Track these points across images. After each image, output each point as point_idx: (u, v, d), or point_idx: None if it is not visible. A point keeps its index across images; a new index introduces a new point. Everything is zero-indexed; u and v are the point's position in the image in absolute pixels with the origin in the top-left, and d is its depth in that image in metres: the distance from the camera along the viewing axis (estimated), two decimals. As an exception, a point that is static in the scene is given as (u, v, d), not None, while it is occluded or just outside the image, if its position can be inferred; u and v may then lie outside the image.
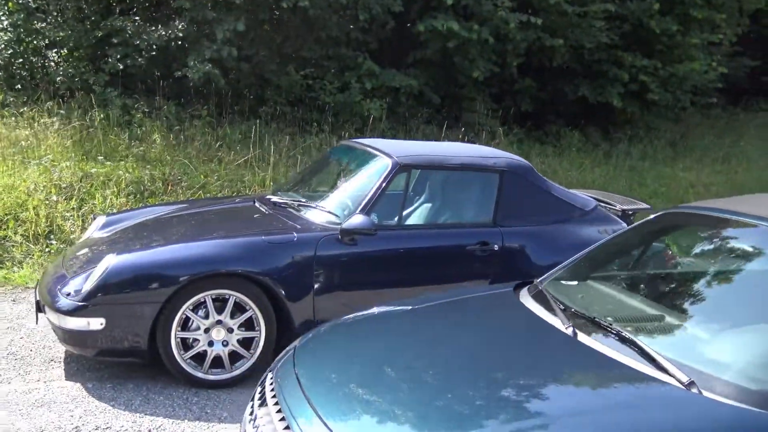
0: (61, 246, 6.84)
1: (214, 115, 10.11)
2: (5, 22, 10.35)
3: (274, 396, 2.77)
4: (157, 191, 7.90)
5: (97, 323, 4.31)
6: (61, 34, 10.34)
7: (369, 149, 5.35)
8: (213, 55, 9.78)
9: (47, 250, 6.79)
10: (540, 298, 3.24)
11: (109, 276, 4.35)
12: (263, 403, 2.82)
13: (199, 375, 4.50)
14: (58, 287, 4.55)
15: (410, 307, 3.48)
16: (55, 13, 10.95)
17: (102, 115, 9.32)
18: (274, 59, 10.93)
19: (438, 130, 11.20)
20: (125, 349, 4.42)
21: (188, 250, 4.57)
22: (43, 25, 10.46)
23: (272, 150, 8.28)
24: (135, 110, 9.78)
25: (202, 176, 8.21)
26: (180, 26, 10.19)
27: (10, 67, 10.46)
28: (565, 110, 13.34)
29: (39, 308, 4.67)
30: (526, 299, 3.29)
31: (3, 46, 10.33)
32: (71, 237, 6.98)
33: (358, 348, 3.03)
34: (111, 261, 4.41)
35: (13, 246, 6.77)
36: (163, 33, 10.21)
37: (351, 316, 3.41)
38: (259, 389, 2.95)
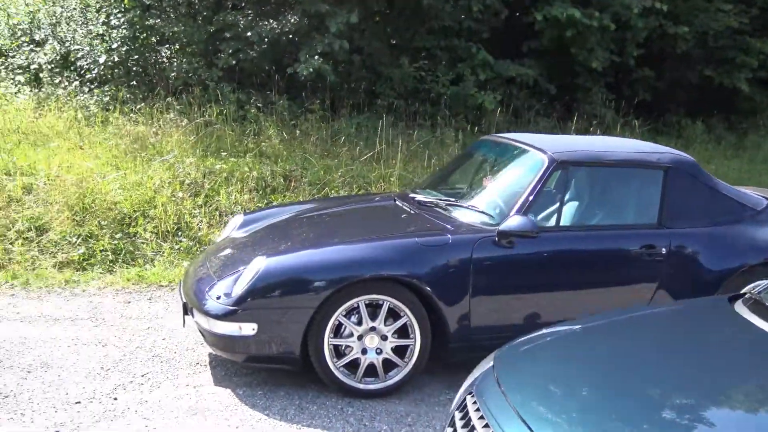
0: (190, 243, 6.79)
1: (327, 109, 9.96)
2: (121, 19, 10.45)
3: (481, 418, 2.51)
4: (278, 187, 7.78)
5: (249, 328, 4.15)
6: (174, 29, 10.37)
7: (519, 144, 5.03)
8: (325, 48, 9.63)
9: (177, 247, 6.74)
10: (760, 309, 2.87)
11: (261, 279, 4.18)
12: (467, 425, 2.56)
13: (353, 384, 4.30)
14: (206, 289, 4.42)
15: (606, 321, 3.16)
16: (168, 9, 11.02)
17: (217, 111, 9.29)
18: (386, 51, 10.70)
19: (555, 123, 10.77)
20: (276, 356, 4.25)
21: (341, 253, 4.36)
22: (157, 21, 10.52)
23: (399, 145, 8.04)
24: (249, 105, 9.73)
25: (321, 172, 8.04)
26: (292, 20, 10.07)
27: (126, 64, 10.57)
28: (686, 99, 12.66)
29: (186, 310, 4.55)
30: (743, 310, 2.93)
31: (119, 43, 10.43)
32: (199, 234, 6.92)
33: (566, 366, 2.74)
34: (261, 264, 4.24)
35: (143, 243, 6.75)
36: (275, 27, 10.12)
37: (548, 330, 3.11)
38: (458, 413, 2.69)
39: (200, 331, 4.53)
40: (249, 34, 9.88)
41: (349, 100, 10.33)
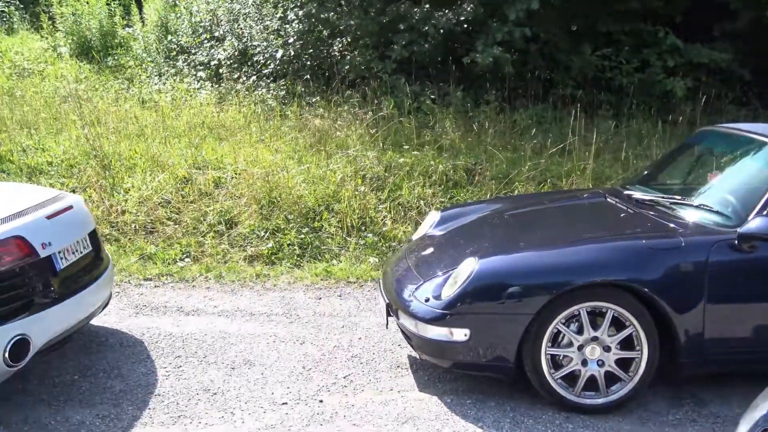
0: (375, 239, 6.64)
1: (501, 100, 9.58)
2: (299, 13, 10.52)
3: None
4: (461, 182, 7.50)
5: (461, 334, 3.89)
6: (351, 22, 10.32)
7: (756, 136, 4.48)
8: (504, 36, 9.25)
9: (362, 242, 6.61)
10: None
11: (473, 282, 3.91)
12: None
13: (572, 397, 3.94)
14: (411, 290, 4.20)
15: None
16: (342, 2, 10.99)
17: (392, 104, 9.13)
18: (565, 38, 10.17)
19: (755, 112, 9.86)
20: (488, 364, 3.97)
21: (561, 256, 4.02)
22: (331, 14, 10.51)
23: (594, 138, 7.55)
24: (424, 97, 9.51)
25: (504, 166, 7.69)
26: (468, 8, 9.75)
27: (301, 58, 10.64)
28: None
29: (389, 311, 4.35)
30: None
31: (294, 37, 10.52)
32: (383, 229, 6.76)
33: None
34: (473, 265, 3.96)
35: (328, 238, 6.68)
36: (451, 17, 9.84)
37: None
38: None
39: (404, 334, 4.32)
40: (425, 27, 9.66)
41: (525, 90, 9.90)
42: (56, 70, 11.01)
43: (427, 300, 4.04)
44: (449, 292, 3.97)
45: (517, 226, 4.80)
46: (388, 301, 4.38)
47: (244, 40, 11.17)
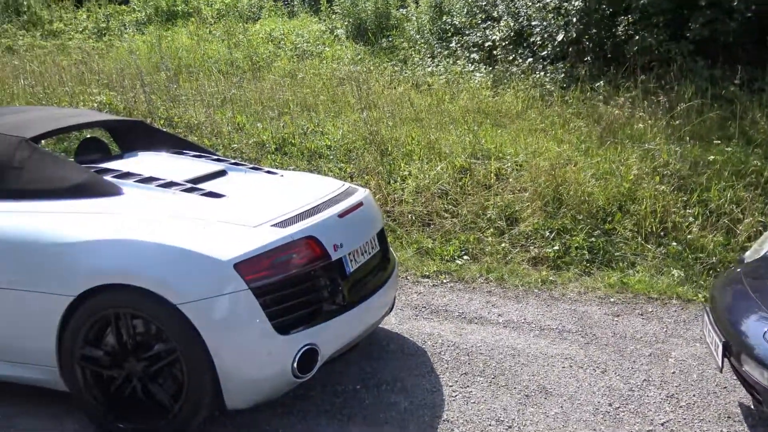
0: (679, 248, 5.74)
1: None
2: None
3: None
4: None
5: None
6: (641, 1, 9.28)
7: None
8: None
9: (663, 251, 5.76)
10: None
11: None
12: None
13: None
14: (761, 330, 3.36)
15: None
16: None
17: (690, 90, 8.04)
18: None
19: None
20: None
21: None
22: (621, -10, 9.55)
23: None
24: (727, 83, 8.29)
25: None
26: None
27: (582, 39, 9.79)
28: None
29: (727, 352, 3.54)
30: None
31: (577, 17, 9.68)
32: (688, 237, 5.84)
33: None
34: None
35: (622, 243, 5.90)
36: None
37: None
38: None
39: (742, 380, 3.50)
40: (734, 2, 8.40)
41: None
42: (333, 52, 11.13)
43: (784, 345, 3.19)
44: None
45: None
46: (724, 340, 3.56)
47: (520, 20, 10.54)
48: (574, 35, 9.63)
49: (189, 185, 3.80)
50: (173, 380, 3.33)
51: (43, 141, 4.18)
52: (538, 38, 10.09)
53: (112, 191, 3.63)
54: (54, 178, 3.66)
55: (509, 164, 6.92)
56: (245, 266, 3.22)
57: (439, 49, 10.86)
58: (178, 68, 10.43)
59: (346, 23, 12.00)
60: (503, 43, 10.42)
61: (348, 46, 11.33)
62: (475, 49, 10.62)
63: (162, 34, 12.23)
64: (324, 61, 10.79)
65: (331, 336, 3.51)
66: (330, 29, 12.14)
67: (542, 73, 9.53)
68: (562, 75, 9.50)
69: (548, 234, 6.03)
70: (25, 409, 3.70)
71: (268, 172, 4.46)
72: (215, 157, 4.65)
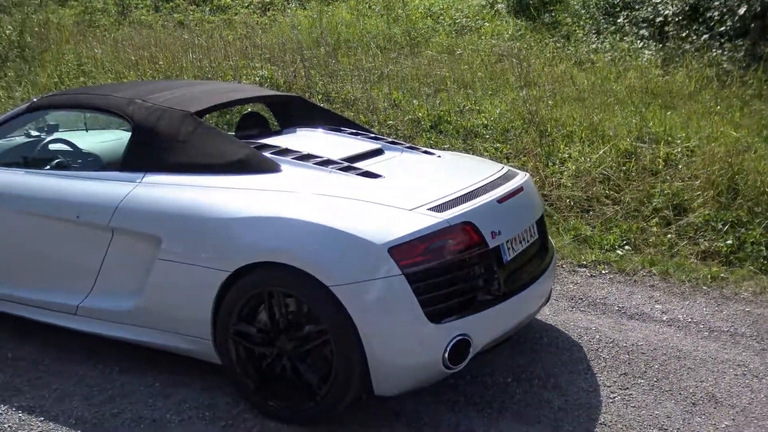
0: None
1: None
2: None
3: None
4: None
5: None
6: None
7: None
8: None
9: None
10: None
11: None
12: None
13: None
14: None
15: None
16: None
17: None
18: None
19: None
20: None
21: None
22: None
23: None
24: None
25: None
26: None
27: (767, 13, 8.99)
28: None
29: None
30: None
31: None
32: None
33: None
34: None
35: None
36: None
37: None
38: None
39: None
40: None
41: None
42: (493, 28, 10.84)
43: None
44: None
45: None
46: None
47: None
48: (759, 9, 8.85)
49: (345, 164, 3.75)
50: (323, 361, 3.31)
51: (206, 115, 4.24)
52: (716, 13, 9.37)
53: (272, 168, 3.64)
54: (216, 153, 3.72)
55: (679, 149, 6.45)
56: (399, 251, 3.12)
57: (605, 25, 10.31)
58: (337, 43, 10.50)
59: (507, -3, 11.63)
60: (676, 18, 9.75)
61: (509, 21, 10.99)
62: (645, 24, 10.00)
63: (323, 9, 12.37)
64: (483, 37, 10.53)
65: (485, 327, 3.36)
66: (490, 3, 11.81)
67: (719, 51, 8.84)
68: (742, 53, 8.77)
69: (721, 226, 5.57)
70: (181, 379, 3.82)
71: (425, 152, 4.34)
72: (372, 135, 4.59)
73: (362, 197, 3.40)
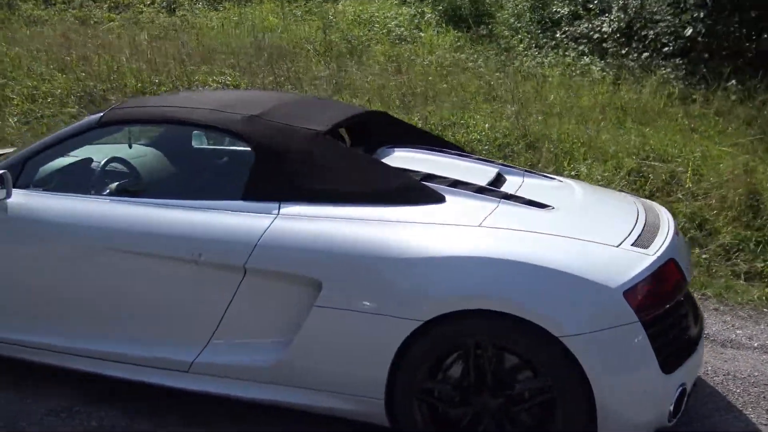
0: None
1: None
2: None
3: None
4: None
5: None
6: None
7: None
8: None
9: None
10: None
11: None
12: None
13: None
14: None
15: None
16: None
17: None
18: None
19: None
20: None
21: None
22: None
23: None
24: None
25: None
26: None
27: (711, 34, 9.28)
28: None
29: None
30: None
31: (704, 12, 9.24)
32: None
33: None
34: None
35: None
36: None
37: None
38: None
39: None
40: None
41: None
42: (430, 38, 10.58)
43: None
44: None
45: None
46: None
47: (629, 11, 10.09)
48: (704, 30, 9.18)
49: (504, 192, 3.35)
50: (531, 419, 2.90)
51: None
52: (651, 33, 9.69)
53: (436, 198, 3.17)
54: (367, 180, 3.19)
55: (682, 168, 6.50)
56: (632, 294, 2.78)
57: (545, 39, 10.38)
58: (272, 48, 9.87)
59: (439, 8, 11.42)
60: (615, 36, 9.98)
61: (447, 32, 10.78)
62: (585, 41, 10.16)
63: (242, 12, 11.64)
64: (423, 46, 10.26)
65: (692, 372, 3.09)
66: (419, 13, 11.55)
67: (668, 70, 9.10)
68: (683, 72, 9.11)
69: (753, 246, 5.62)
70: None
71: (544, 176, 3.99)
72: (466, 154, 4.19)
73: (557, 232, 3.02)
